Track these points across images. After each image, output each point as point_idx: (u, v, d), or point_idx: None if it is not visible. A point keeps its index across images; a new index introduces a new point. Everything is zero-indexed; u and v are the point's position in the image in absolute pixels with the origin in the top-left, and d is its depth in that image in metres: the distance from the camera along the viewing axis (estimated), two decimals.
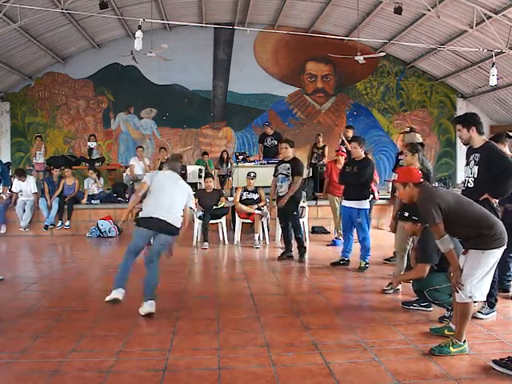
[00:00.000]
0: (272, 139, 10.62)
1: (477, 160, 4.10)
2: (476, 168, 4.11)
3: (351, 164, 6.41)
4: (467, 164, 4.25)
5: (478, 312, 4.15)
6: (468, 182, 4.20)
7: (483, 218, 3.38)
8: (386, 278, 5.61)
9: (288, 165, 6.70)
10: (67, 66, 15.08)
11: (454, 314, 3.68)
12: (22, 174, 9.58)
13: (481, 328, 3.92)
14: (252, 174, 8.30)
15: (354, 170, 6.24)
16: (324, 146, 11.24)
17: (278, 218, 8.29)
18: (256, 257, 7.33)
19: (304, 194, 8.18)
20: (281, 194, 6.77)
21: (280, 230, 8.37)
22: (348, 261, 6.43)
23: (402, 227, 4.92)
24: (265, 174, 8.89)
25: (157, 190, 4.57)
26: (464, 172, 4.35)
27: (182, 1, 13.53)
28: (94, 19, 12.54)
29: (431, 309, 4.35)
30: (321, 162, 10.42)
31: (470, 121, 4.12)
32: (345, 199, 6.46)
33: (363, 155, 6.36)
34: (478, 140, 4.12)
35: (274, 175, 6.96)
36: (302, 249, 6.74)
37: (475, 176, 4.11)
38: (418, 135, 5.84)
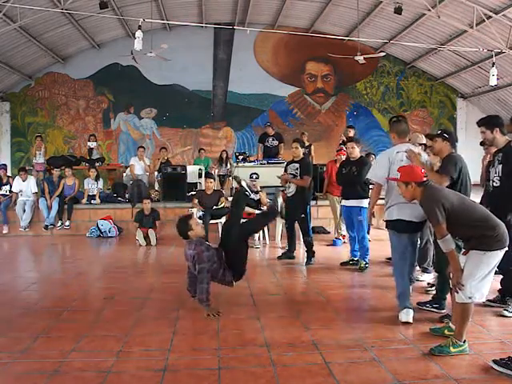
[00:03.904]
0: (273, 139, 10.61)
1: (500, 159, 4.25)
2: (500, 167, 4.24)
3: (348, 164, 6.44)
4: (492, 165, 4.38)
5: (505, 310, 4.17)
6: (494, 181, 4.31)
7: (486, 218, 3.37)
8: (386, 278, 5.62)
9: (297, 165, 6.65)
10: (67, 66, 15.09)
11: (453, 314, 3.68)
12: (24, 171, 9.69)
13: (481, 328, 3.92)
14: (254, 176, 8.28)
15: (353, 169, 6.26)
16: (310, 144, 11.27)
17: (280, 217, 8.30)
18: (256, 257, 7.32)
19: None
20: (289, 195, 6.74)
21: (280, 230, 8.39)
22: (357, 260, 6.41)
23: None
24: (265, 174, 8.89)
25: None
26: (490, 173, 4.43)
27: (182, 1, 13.54)
28: (94, 19, 12.54)
29: (444, 310, 4.31)
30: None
31: (494, 122, 4.28)
32: (344, 199, 6.47)
33: (359, 155, 6.40)
34: (502, 140, 4.26)
35: None
36: (309, 252, 6.64)
37: (500, 175, 4.24)
38: (421, 135, 5.82)
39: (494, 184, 4.30)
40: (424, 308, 4.42)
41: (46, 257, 7.83)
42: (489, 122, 4.30)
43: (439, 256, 4.18)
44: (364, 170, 6.21)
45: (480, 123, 4.37)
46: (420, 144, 5.47)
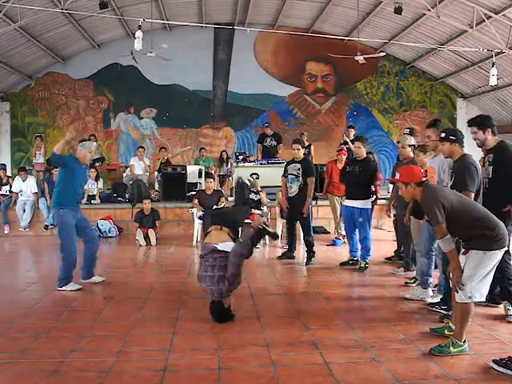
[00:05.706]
0: (271, 139, 10.61)
1: (491, 161, 4.15)
2: (490, 168, 4.14)
3: (353, 163, 6.39)
4: (483, 165, 4.28)
5: (510, 316, 4.09)
6: (485, 182, 4.20)
7: (486, 218, 3.37)
8: (386, 278, 5.62)
9: (298, 165, 6.62)
10: (67, 66, 15.07)
11: (453, 314, 3.68)
12: (24, 171, 9.69)
13: (481, 328, 3.92)
14: (254, 176, 8.29)
15: (357, 169, 6.21)
16: (309, 144, 11.27)
17: (280, 217, 8.30)
18: (256, 257, 7.32)
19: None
20: (291, 195, 6.72)
21: (280, 230, 8.38)
22: (357, 260, 6.40)
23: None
24: (265, 174, 8.90)
25: None
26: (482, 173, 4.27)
27: (182, 1, 13.53)
28: (94, 19, 12.53)
29: (451, 312, 4.30)
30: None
31: (487, 124, 4.17)
32: (347, 199, 6.42)
33: (365, 155, 6.35)
34: (492, 141, 4.17)
35: (284, 175, 6.92)
36: (310, 252, 6.65)
37: (489, 176, 4.15)
38: (409, 137, 5.78)
39: (486, 185, 4.18)
40: (434, 309, 4.42)
41: (46, 257, 7.81)
42: (481, 123, 4.18)
43: (445, 258, 4.17)
44: (367, 170, 6.19)
45: (471, 123, 4.25)
46: (409, 145, 5.48)
